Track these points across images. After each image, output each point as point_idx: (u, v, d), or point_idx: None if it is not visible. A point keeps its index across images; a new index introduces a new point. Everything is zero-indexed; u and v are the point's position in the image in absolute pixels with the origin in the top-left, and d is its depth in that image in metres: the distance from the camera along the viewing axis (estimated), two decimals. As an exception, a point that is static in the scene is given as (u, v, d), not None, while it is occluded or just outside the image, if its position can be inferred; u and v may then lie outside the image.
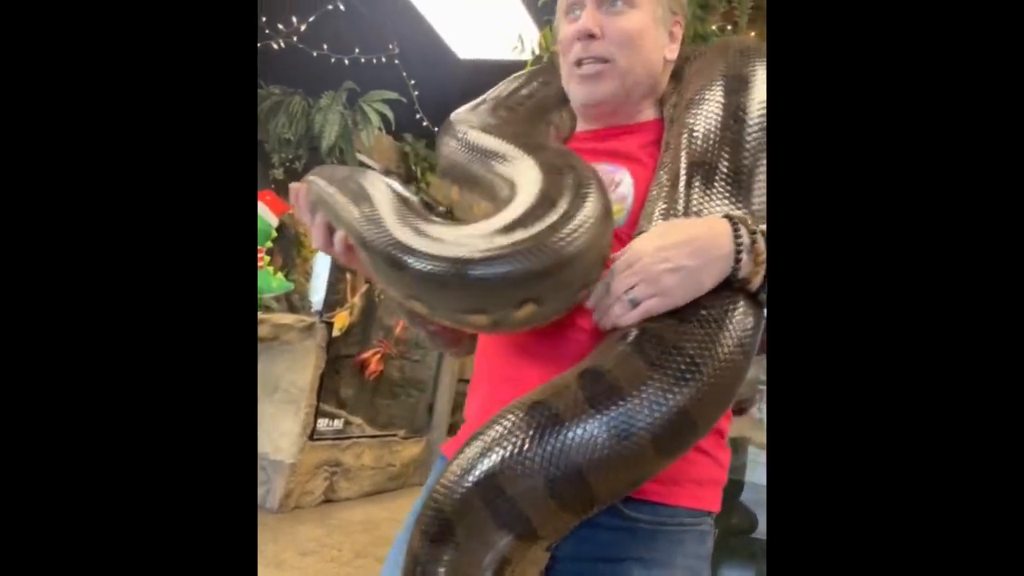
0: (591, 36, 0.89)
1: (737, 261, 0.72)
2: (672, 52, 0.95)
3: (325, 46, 3.50)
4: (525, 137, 0.89)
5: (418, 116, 4.16)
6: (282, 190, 3.76)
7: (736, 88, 0.88)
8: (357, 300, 4.57)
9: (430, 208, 0.85)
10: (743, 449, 2.70)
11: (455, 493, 0.71)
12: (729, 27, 3.54)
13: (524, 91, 1.05)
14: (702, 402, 0.70)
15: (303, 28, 3.08)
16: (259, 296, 3.65)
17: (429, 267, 0.71)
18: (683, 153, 0.85)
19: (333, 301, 4.43)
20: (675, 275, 0.71)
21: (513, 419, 0.71)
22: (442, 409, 5.12)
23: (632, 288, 0.72)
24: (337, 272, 4.38)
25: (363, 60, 3.60)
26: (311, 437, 3.77)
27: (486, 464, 0.70)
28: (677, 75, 0.98)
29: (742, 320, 0.74)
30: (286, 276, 3.85)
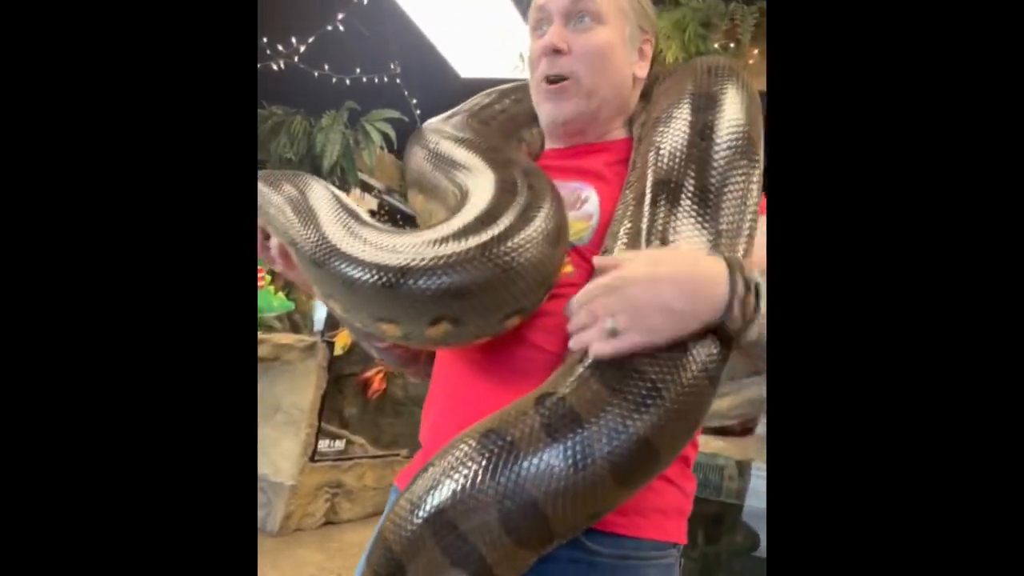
0: (557, 51, 0.87)
1: (728, 311, 0.67)
2: (642, 70, 0.93)
3: (326, 66, 3.52)
4: (496, 152, 0.86)
5: (420, 135, 4.15)
6: (283, 210, 3.76)
7: (704, 106, 0.86)
8: (360, 319, 4.54)
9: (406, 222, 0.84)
10: (748, 471, 2.64)
11: (404, 530, 0.67)
12: (732, 45, 3.53)
13: (497, 106, 1.03)
14: (664, 429, 0.66)
15: (303, 49, 3.09)
16: (260, 315, 3.64)
17: (345, 268, 0.70)
18: (649, 171, 0.82)
19: (335, 320, 4.42)
20: (663, 316, 0.66)
21: (465, 448, 0.67)
22: (447, 429, 5.06)
23: (613, 316, 0.66)
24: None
25: (364, 80, 3.62)
26: (312, 458, 3.74)
27: (436, 498, 0.66)
28: (646, 94, 0.96)
29: (708, 344, 0.71)
30: (287, 295, 3.84)
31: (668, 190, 0.80)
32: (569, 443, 0.64)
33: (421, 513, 0.66)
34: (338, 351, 4.01)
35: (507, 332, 0.75)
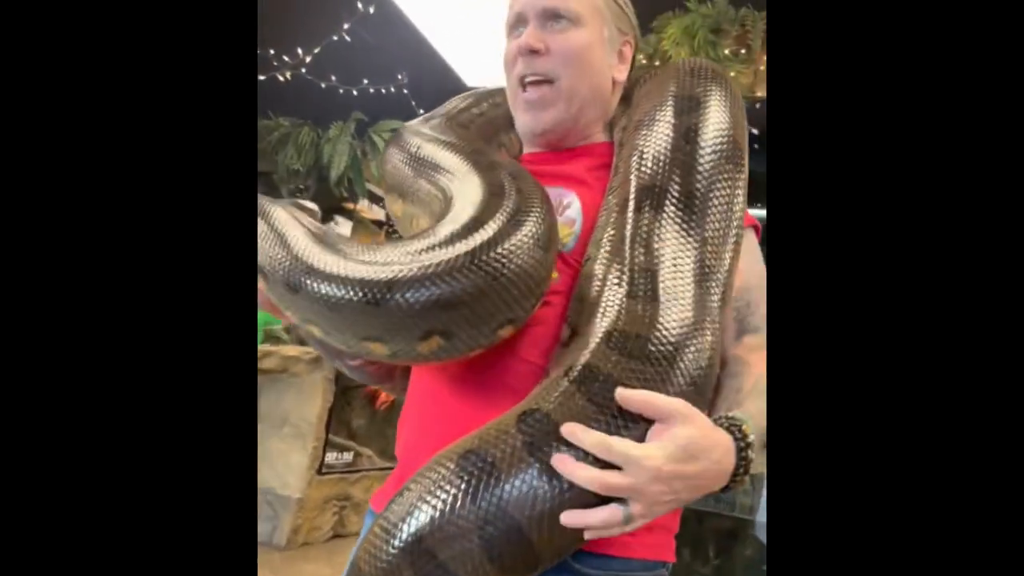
0: (534, 52, 0.84)
1: (726, 489, 0.65)
2: (621, 73, 0.90)
3: (333, 77, 3.52)
4: (480, 155, 0.82)
5: (429, 145, 4.14)
6: (291, 221, 3.75)
7: (687, 108, 0.82)
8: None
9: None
10: (761, 485, 2.59)
11: (380, 560, 0.63)
12: (743, 51, 3.50)
13: (475, 110, 1.00)
14: None
15: (308, 59, 3.09)
16: (268, 327, 3.63)
17: (324, 287, 0.65)
18: (632, 176, 0.79)
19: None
20: (671, 504, 0.62)
21: (442, 471, 0.63)
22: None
23: (632, 500, 0.60)
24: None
25: (372, 90, 3.61)
26: (319, 471, 3.71)
27: (413, 525, 0.62)
28: (627, 97, 0.92)
29: (695, 358, 0.67)
30: (295, 307, 3.82)
31: (652, 196, 0.76)
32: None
33: (397, 541, 0.62)
34: (346, 362, 3.98)
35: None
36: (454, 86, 3.86)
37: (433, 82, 3.72)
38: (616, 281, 0.74)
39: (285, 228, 0.75)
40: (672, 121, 0.81)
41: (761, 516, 2.38)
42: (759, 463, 0.65)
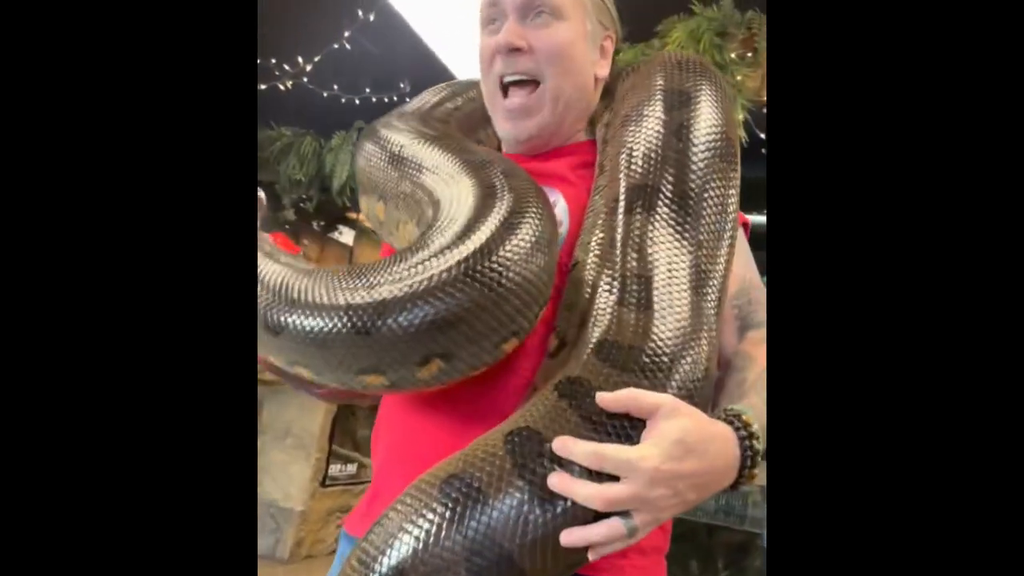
0: (515, 50, 0.79)
1: (736, 486, 0.63)
2: (603, 69, 0.86)
3: (335, 86, 3.50)
4: (468, 152, 0.77)
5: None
6: (292, 232, 3.74)
7: (677, 103, 0.78)
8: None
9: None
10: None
11: None
12: (749, 54, 3.44)
13: (450, 104, 0.95)
14: None
15: (308, 68, 3.07)
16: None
17: (310, 320, 0.60)
18: (621, 175, 0.74)
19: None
20: (676, 507, 0.58)
21: (424, 498, 0.58)
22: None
23: (635, 512, 0.57)
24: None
25: (374, 100, 3.59)
26: (323, 483, 3.68)
27: (395, 557, 0.57)
28: (608, 92, 0.88)
29: (691, 369, 0.63)
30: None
31: (643, 196, 0.72)
32: (546, 485, 0.56)
33: (376, 575, 0.58)
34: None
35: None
36: (457, 94, 3.83)
37: (436, 91, 3.70)
38: (607, 288, 0.69)
39: (264, 270, 0.69)
40: (662, 117, 0.77)
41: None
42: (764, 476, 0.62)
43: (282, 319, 0.62)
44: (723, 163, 0.75)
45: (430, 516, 0.57)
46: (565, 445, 0.57)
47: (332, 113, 3.58)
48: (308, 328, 0.60)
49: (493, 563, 0.55)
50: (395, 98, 3.64)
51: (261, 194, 0.83)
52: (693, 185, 0.72)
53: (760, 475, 0.65)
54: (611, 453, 0.55)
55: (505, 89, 0.82)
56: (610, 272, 0.70)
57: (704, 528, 2.65)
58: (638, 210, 0.72)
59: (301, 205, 3.93)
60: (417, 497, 0.59)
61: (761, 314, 0.78)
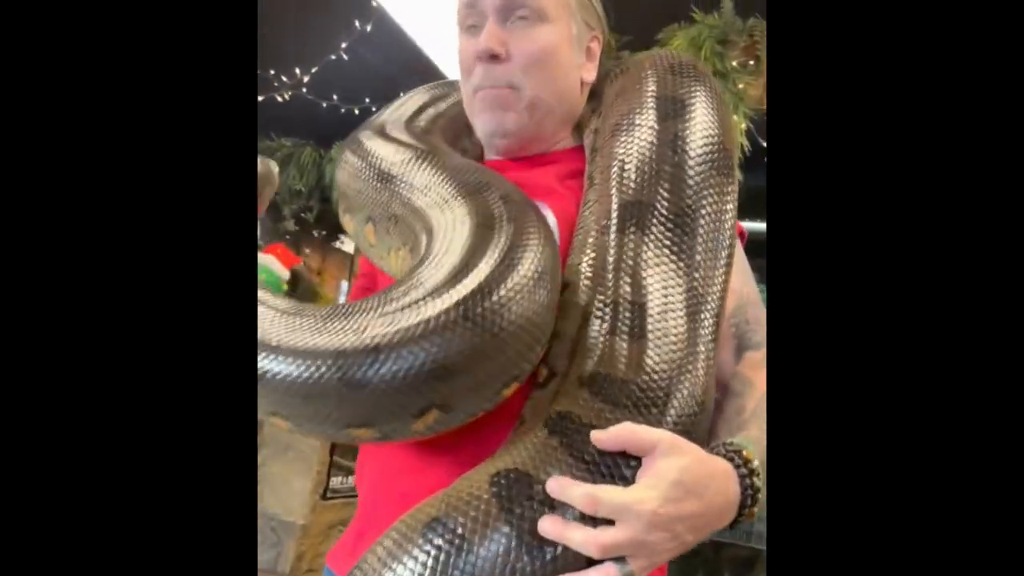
0: (494, 57, 0.76)
1: (734, 524, 0.60)
2: (590, 73, 0.82)
3: (335, 96, 3.49)
4: (465, 173, 0.71)
5: (432, 163, 4.10)
6: (293, 242, 3.73)
7: (671, 112, 0.73)
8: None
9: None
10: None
11: None
12: (751, 62, 3.41)
13: (431, 110, 0.91)
14: None
15: (306, 79, 3.06)
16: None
17: (289, 368, 0.55)
18: (613, 191, 0.71)
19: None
20: (674, 550, 0.55)
21: (404, 544, 0.55)
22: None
23: (631, 557, 0.54)
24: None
25: (374, 109, 3.57)
26: (324, 496, 3.65)
27: None
28: (595, 95, 0.84)
29: (687, 403, 0.60)
30: (299, 329, 3.78)
31: (636, 214, 0.68)
32: (535, 530, 0.53)
33: None
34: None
35: None
36: (457, 103, 3.82)
37: (436, 99, 3.68)
38: (599, 315, 0.66)
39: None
40: (655, 127, 0.73)
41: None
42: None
43: (260, 364, 0.57)
44: (720, 176, 0.71)
45: (411, 565, 0.53)
46: (560, 486, 0.54)
47: (331, 123, 3.57)
48: (290, 375, 0.56)
49: None
50: (395, 107, 3.63)
51: (272, 165, 0.79)
52: (689, 202, 0.69)
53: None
54: (607, 496, 0.52)
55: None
56: (602, 298, 0.66)
57: (710, 544, 2.61)
58: (631, 230, 0.68)
59: (302, 215, 3.91)
60: (398, 542, 0.56)
61: (760, 334, 0.75)
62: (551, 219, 0.75)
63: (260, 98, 3.18)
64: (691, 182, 0.70)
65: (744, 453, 0.60)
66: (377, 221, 0.79)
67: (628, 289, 0.66)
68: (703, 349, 0.65)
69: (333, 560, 0.76)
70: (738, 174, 0.76)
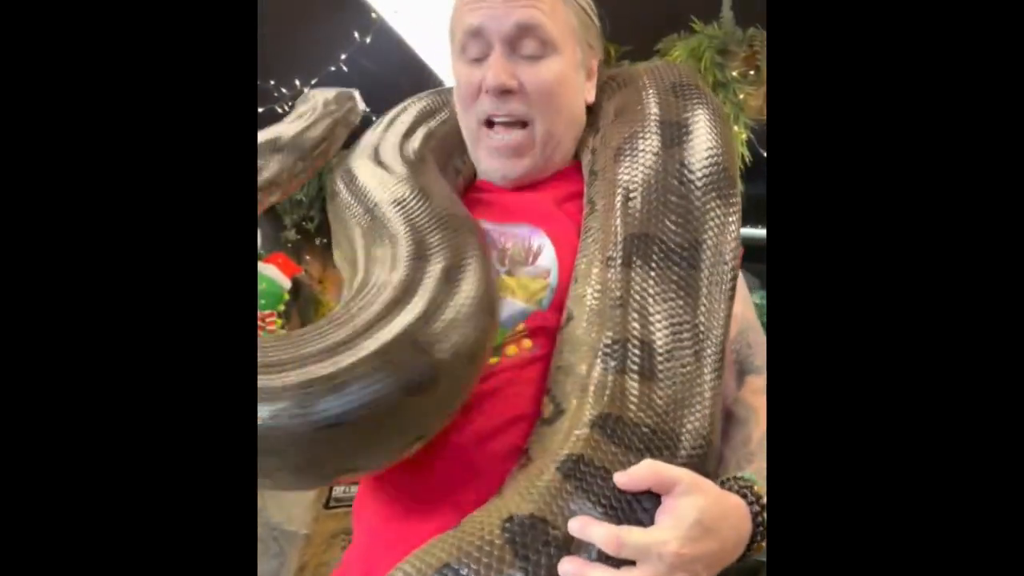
0: (507, 92, 0.76)
1: (743, 558, 0.60)
2: (591, 93, 0.82)
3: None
4: (421, 240, 0.72)
5: (433, 171, 4.10)
6: (295, 251, 3.73)
7: (675, 138, 0.73)
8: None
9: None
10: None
11: None
12: (751, 72, 3.41)
13: (422, 130, 0.90)
14: None
15: (306, 90, 3.06)
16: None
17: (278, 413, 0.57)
18: (617, 220, 0.71)
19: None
20: None
21: None
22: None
23: None
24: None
25: (375, 118, 3.57)
26: (327, 505, 3.65)
27: None
28: (591, 108, 0.83)
29: (696, 442, 0.61)
30: (300, 338, 3.78)
31: (643, 247, 0.68)
32: None
33: None
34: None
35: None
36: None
37: (436, 109, 3.68)
38: (607, 352, 0.66)
39: None
40: (659, 154, 0.72)
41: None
42: None
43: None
44: (724, 204, 0.72)
45: None
46: (584, 527, 0.54)
47: (332, 133, 3.57)
48: (275, 426, 0.58)
49: None
50: (395, 117, 3.63)
51: (357, 96, 0.80)
52: (695, 234, 0.69)
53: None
54: (630, 538, 0.53)
55: (490, 124, 0.78)
56: (610, 334, 0.67)
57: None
58: (637, 263, 0.69)
59: (303, 224, 3.92)
60: None
61: (760, 358, 0.75)
62: (550, 251, 0.75)
63: (260, 109, 3.18)
64: (696, 212, 0.70)
65: (755, 489, 0.61)
66: (370, 239, 0.80)
67: (636, 326, 0.66)
68: (709, 385, 0.65)
69: None
70: (740, 186, 0.77)
